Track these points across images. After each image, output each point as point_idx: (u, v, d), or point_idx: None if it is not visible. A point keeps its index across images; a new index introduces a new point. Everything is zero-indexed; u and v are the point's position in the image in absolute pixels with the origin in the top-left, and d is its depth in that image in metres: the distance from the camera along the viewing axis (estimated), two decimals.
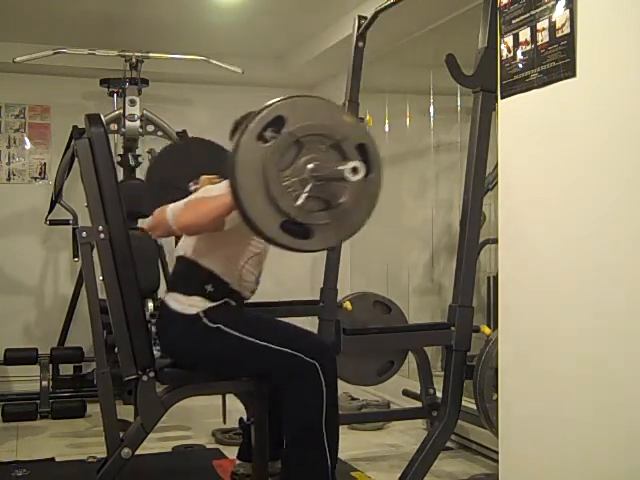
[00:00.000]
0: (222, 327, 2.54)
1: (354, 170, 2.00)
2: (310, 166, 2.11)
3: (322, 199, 2.16)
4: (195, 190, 2.94)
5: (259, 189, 2.08)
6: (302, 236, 2.16)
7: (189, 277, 2.65)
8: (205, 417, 4.18)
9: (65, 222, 4.68)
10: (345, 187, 2.15)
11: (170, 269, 4.82)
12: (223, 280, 2.62)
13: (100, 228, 2.56)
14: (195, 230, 2.54)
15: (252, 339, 2.53)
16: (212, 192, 2.60)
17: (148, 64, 4.66)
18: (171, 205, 2.76)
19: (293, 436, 2.56)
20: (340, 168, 2.04)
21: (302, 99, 2.19)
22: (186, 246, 2.70)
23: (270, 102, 2.12)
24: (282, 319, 2.97)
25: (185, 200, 2.72)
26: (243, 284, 2.67)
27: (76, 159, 2.65)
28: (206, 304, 2.58)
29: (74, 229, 4.54)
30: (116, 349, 2.59)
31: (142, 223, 2.94)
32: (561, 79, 1.85)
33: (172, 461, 3.58)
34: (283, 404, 2.57)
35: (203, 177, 2.94)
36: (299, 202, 2.10)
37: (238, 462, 3.01)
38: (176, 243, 4.75)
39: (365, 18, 3.49)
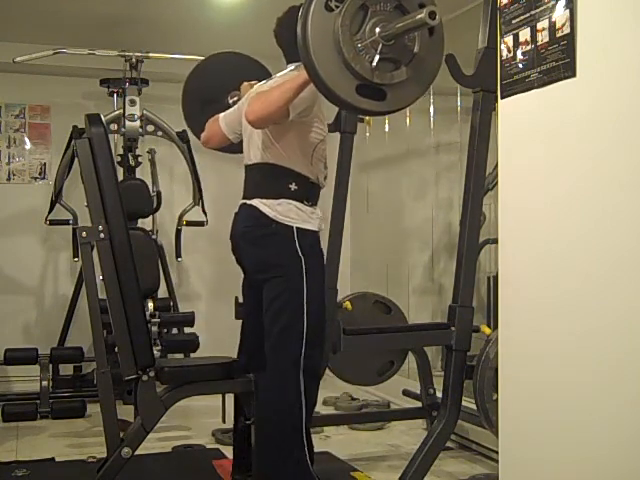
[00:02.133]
0: (303, 271, 2.60)
1: (431, 14, 2.08)
2: (378, 28, 2.20)
3: (393, 59, 2.25)
4: (235, 102, 3.04)
5: (333, 55, 2.17)
6: (378, 98, 2.25)
7: (270, 180, 2.69)
8: (205, 417, 4.18)
9: (65, 222, 4.68)
10: (413, 42, 2.25)
11: (170, 269, 4.88)
12: (301, 174, 2.67)
13: (100, 228, 2.57)
14: (265, 120, 2.55)
15: (306, 317, 2.59)
16: (267, 87, 2.67)
17: (148, 64, 4.66)
18: (222, 114, 2.92)
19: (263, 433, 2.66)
20: (419, 16, 2.10)
21: None
22: (254, 152, 2.74)
23: None
24: None
25: (237, 106, 2.87)
26: (316, 172, 2.72)
27: (76, 159, 2.65)
28: (299, 216, 2.63)
29: (74, 229, 4.54)
30: (116, 349, 2.59)
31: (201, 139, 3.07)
32: (561, 79, 1.85)
33: (172, 461, 3.58)
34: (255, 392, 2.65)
35: (245, 83, 3.01)
36: (374, 63, 2.18)
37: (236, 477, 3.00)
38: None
39: None
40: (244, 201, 2.75)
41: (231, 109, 2.95)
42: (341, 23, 2.15)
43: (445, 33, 2.40)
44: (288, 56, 2.80)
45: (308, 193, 2.69)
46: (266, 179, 2.70)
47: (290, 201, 2.65)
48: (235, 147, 2.99)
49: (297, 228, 2.63)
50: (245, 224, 2.73)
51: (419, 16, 2.10)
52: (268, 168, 2.69)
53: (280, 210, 2.63)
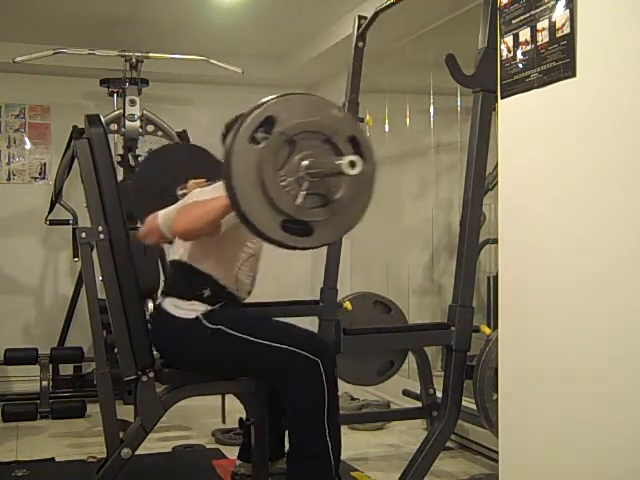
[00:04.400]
0: (223, 328, 2.54)
1: (351, 164, 1.98)
2: (305, 163, 2.09)
3: (320, 195, 2.14)
4: (183, 195, 2.94)
5: (256, 191, 2.06)
6: (303, 234, 2.15)
7: (185, 281, 2.65)
8: (205, 417, 4.18)
9: (65, 222, 4.68)
10: (341, 180, 2.13)
11: None
12: (220, 284, 2.62)
13: (100, 228, 2.56)
14: (192, 235, 2.52)
15: (254, 338, 2.53)
16: (203, 196, 2.59)
17: (148, 64, 4.66)
18: (162, 212, 2.77)
19: (296, 435, 2.56)
20: (337, 163, 2.02)
21: (290, 97, 2.17)
22: (180, 250, 2.69)
23: (258, 103, 2.10)
24: (282, 319, 2.98)
25: (176, 206, 2.72)
26: (240, 286, 2.68)
27: (76, 159, 2.65)
28: (204, 308, 2.58)
29: (74, 229, 4.54)
30: (116, 349, 2.59)
31: (138, 228, 2.94)
32: (561, 79, 1.85)
33: (172, 461, 3.58)
34: (285, 403, 2.58)
35: (191, 182, 2.94)
36: (298, 200, 2.08)
37: (239, 462, 3.01)
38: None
39: (365, 18, 3.49)
40: (159, 300, 2.72)
41: (170, 207, 2.81)
42: (264, 159, 2.05)
43: (445, 33, 2.40)
44: None
45: (222, 299, 2.62)
46: (181, 279, 2.67)
47: (200, 304, 2.59)
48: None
49: (202, 314, 2.58)
50: (159, 329, 2.68)
51: (339, 162, 2.00)
52: (186, 269, 2.65)
53: (188, 308, 2.59)
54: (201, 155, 3.31)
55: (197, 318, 2.56)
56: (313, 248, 2.30)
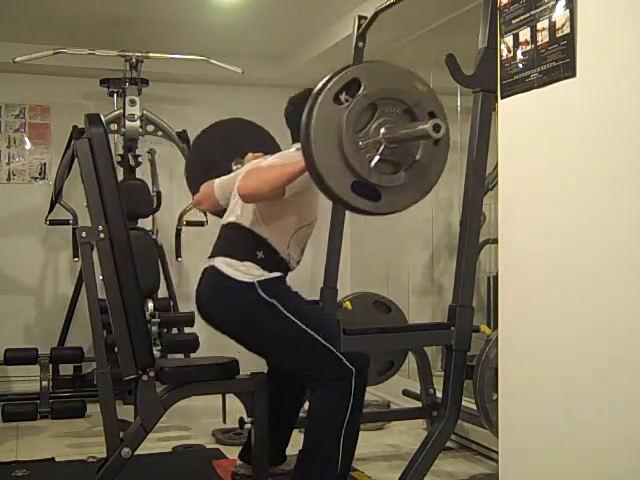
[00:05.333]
0: (277, 304, 2.59)
1: (436, 127, 2.05)
2: (383, 129, 2.18)
3: (393, 162, 2.22)
4: (237, 169, 3.03)
5: (333, 148, 2.13)
6: (371, 198, 2.22)
7: (240, 243, 2.70)
8: (205, 417, 4.18)
9: (65, 222, 4.68)
10: (415, 150, 2.22)
11: (170, 269, 4.88)
12: (273, 248, 2.67)
13: (100, 228, 2.57)
14: (258, 197, 2.58)
15: (302, 324, 2.58)
16: (265, 163, 2.70)
17: (148, 64, 4.66)
18: (218, 180, 2.95)
19: (310, 435, 2.58)
20: (423, 127, 2.08)
21: (376, 63, 2.29)
22: (237, 213, 2.74)
23: (344, 66, 2.18)
24: None
25: (232, 175, 2.89)
26: (290, 253, 2.72)
27: (76, 159, 2.65)
28: (260, 273, 2.62)
29: (74, 229, 4.54)
30: (116, 349, 2.59)
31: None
32: (561, 79, 1.85)
33: (172, 461, 3.58)
34: (310, 399, 2.63)
35: (249, 155, 3.02)
36: (373, 163, 2.15)
37: (239, 462, 3.01)
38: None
39: (365, 18, 3.48)
40: (209, 262, 2.76)
41: (227, 176, 2.95)
42: (347, 118, 2.13)
43: (445, 33, 2.40)
44: (294, 136, 2.78)
45: (274, 265, 2.68)
46: (236, 240, 2.71)
47: (253, 265, 2.64)
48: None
49: (258, 281, 2.62)
50: (209, 287, 2.74)
51: (423, 127, 2.08)
52: (242, 230, 2.70)
53: (242, 270, 2.64)
54: (257, 131, 3.38)
55: (253, 284, 2.60)
56: (378, 214, 2.37)
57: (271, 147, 3.18)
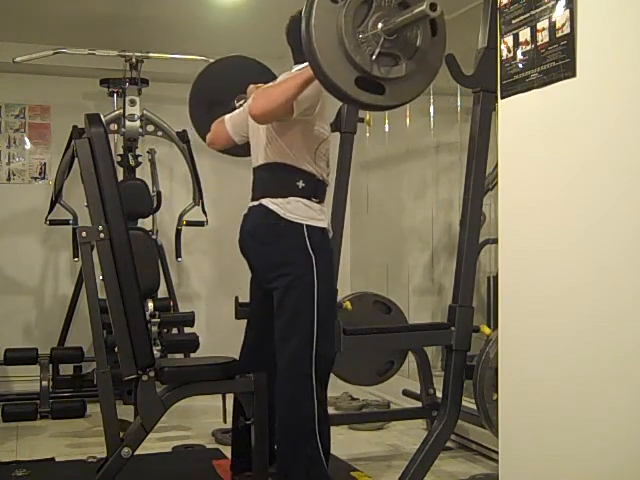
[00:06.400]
0: (314, 268, 2.63)
1: (432, 6, 2.08)
2: (381, 23, 2.22)
3: (394, 55, 2.26)
4: (241, 105, 3.05)
5: (334, 45, 2.19)
6: (376, 92, 2.26)
7: (278, 179, 2.73)
8: (205, 417, 4.19)
9: (65, 222, 4.68)
10: (416, 38, 2.27)
11: (170, 269, 4.88)
12: (307, 172, 2.70)
13: (100, 228, 2.56)
14: (269, 115, 2.59)
15: (317, 312, 2.62)
16: (270, 84, 2.71)
17: (148, 64, 4.66)
18: (227, 116, 2.98)
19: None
20: (420, 8, 2.12)
21: None
22: (262, 154, 2.77)
23: None
24: None
25: (241, 109, 2.92)
26: (320, 171, 2.75)
27: (76, 159, 2.65)
28: (308, 213, 2.67)
29: (74, 229, 4.54)
30: (116, 349, 2.59)
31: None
32: (561, 79, 1.85)
33: (172, 461, 3.58)
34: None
35: (251, 86, 3.03)
36: (374, 56, 2.20)
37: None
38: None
39: None
40: (252, 203, 2.78)
41: (237, 111, 2.99)
42: (345, 14, 2.18)
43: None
44: (296, 57, 2.81)
45: (315, 190, 2.72)
46: (274, 178, 2.74)
47: (298, 199, 2.68)
48: (239, 150, 3.02)
49: (307, 225, 2.67)
50: (254, 223, 2.77)
51: (419, 8, 2.12)
52: (275, 167, 2.73)
53: (289, 208, 2.67)
54: (255, 66, 3.41)
55: (301, 227, 2.65)
56: (386, 108, 2.44)
57: (270, 78, 3.18)
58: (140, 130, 4.61)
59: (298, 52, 2.68)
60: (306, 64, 2.34)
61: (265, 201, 2.71)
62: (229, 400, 2.96)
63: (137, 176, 4.69)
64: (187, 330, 4.45)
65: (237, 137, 2.95)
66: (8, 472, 3.32)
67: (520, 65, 1.98)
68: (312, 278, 2.64)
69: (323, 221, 2.73)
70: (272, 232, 2.70)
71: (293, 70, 2.77)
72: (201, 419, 4.21)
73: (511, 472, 2.07)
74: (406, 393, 3.94)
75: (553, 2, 1.86)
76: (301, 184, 2.68)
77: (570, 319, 1.84)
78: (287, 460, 2.64)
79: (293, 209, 2.67)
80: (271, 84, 2.75)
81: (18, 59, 4.38)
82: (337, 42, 2.18)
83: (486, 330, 3.10)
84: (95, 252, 2.59)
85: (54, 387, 4.63)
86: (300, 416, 2.62)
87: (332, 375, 3.68)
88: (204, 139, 3.15)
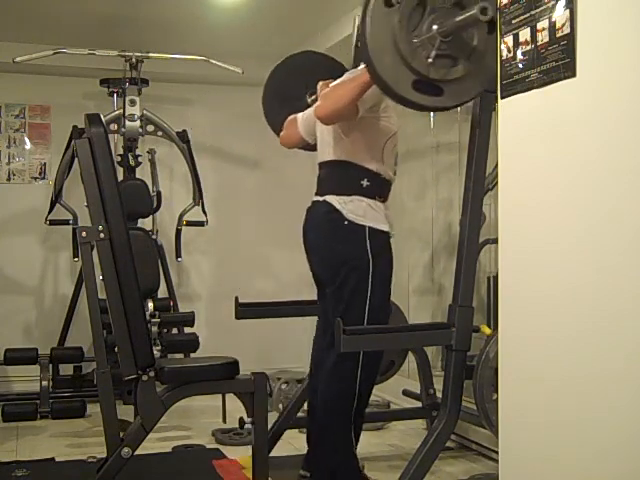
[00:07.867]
0: (370, 271, 2.68)
1: (483, 10, 2.10)
2: (435, 25, 2.24)
3: (450, 56, 2.28)
4: (313, 101, 3.07)
5: (390, 50, 2.21)
6: (434, 94, 2.29)
7: (342, 176, 2.75)
8: (205, 417, 4.19)
9: (65, 222, 4.68)
10: (472, 38, 2.28)
11: (170, 269, 4.88)
12: (373, 171, 2.72)
13: (100, 228, 2.57)
14: (334, 117, 2.62)
15: (366, 314, 2.69)
16: (334, 83, 2.72)
17: (148, 64, 4.66)
18: (300, 114, 3.00)
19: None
20: (471, 12, 2.13)
21: None
22: (330, 150, 2.79)
23: None
24: (281, 319, 2.99)
25: (312, 108, 2.90)
26: (386, 168, 2.77)
27: (76, 159, 2.65)
28: (372, 215, 2.70)
29: (74, 229, 4.54)
30: (116, 349, 2.59)
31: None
32: (561, 79, 1.85)
33: (172, 461, 3.58)
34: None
35: (320, 83, 3.03)
36: (430, 59, 2.22)
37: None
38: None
39: None
40: (317, 198, 2.81)
41: (308, 110, 3.00)
42: (399, 19, 2.20)
43: None
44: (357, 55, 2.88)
45: (380, 189, 2.75)
46: (339, 176, 2.76)
47: (362, 198, 2.71)
48: (310, 146, 3.06)
49: (369, 228, 2.69)
50: (318, 219, 2.80)
51: (471, 12, 2.13)
52: (341, 165, 2.76)
53: (352, 208, 2.70)
54: (322, 59, 3.43)
55: (363, 229, 2.68)
56: (445, 109, 2.46)
57: (341, 72, 3.19)
58: (140, 130, 4.61)
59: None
60: None
61: (329, 198, 2.74)
62: (229, 400, 2.96)
63: (137, 176, 4.69)
64: (187, 330, 4.45)
65: (309, 137, 2.98)
66: (8, 472, 3.32)
67: (520, 65, 1.98)
68: (367, 282, 2.69)
69: (385, 224, 2.76)
70: (334, 230, 2.73)
71: (359, 67, 2.76)
72: (201, 419, 4.21)
73: (511, 472, 2.07)
74: (406, 393, 3.94)
75: (553, 2, 1.86)
76: (365, 183, 2.70)
77: (570, 319, 1.84)
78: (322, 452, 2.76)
79: (355, 209, 2.69)
80: (335, 82, 2.76)
81: (18, 59, 4.38)
82: (393, 47, 2.20)
83: (486, 330, 3.10)
84: (95, 252, 2.59)
85: (54, 387, 4.63)
86: (338, 409, 2.74)
87: None
88: (277, 134, 3.19)
